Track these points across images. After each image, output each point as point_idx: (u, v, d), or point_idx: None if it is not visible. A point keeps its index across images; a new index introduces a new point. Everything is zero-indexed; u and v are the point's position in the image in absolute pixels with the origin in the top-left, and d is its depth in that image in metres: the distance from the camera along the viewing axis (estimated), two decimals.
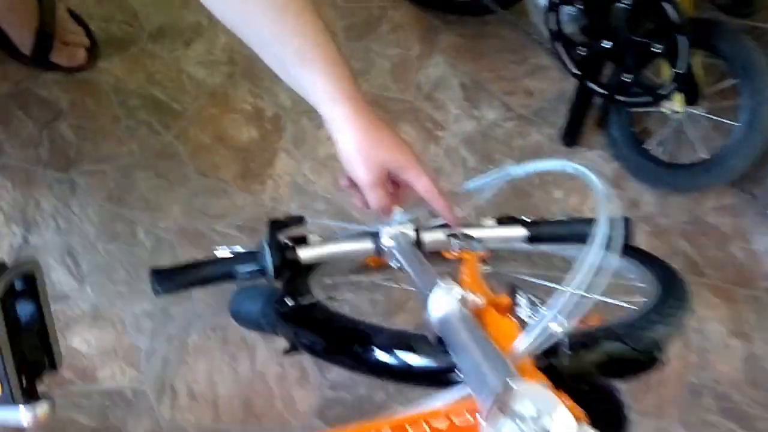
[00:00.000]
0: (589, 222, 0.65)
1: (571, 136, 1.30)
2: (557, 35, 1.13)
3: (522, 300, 0.58)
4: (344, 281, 0.85)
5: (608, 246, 0.48)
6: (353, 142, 0.56)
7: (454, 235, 0.67)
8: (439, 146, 1.26)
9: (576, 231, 0.74)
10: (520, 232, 0.73)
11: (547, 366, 0.47)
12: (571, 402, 0.35)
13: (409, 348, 0.49)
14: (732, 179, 1.19)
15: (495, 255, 0.79)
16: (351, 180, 0.61)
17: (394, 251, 0.61)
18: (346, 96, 0.54)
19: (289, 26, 0.52)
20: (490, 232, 0.72)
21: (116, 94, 1.21)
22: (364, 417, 0.40)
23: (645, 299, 0.66)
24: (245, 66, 1.26)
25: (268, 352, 1.02)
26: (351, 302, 1.04)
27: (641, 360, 0.52)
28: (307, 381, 1.02)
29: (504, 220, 0.75)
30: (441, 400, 0.39)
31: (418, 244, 0.65)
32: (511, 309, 0.56)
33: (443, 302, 0.46)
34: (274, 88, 1.25)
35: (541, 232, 0.74)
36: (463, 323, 0.44)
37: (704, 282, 1.17)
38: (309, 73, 0.53)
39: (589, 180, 0.58)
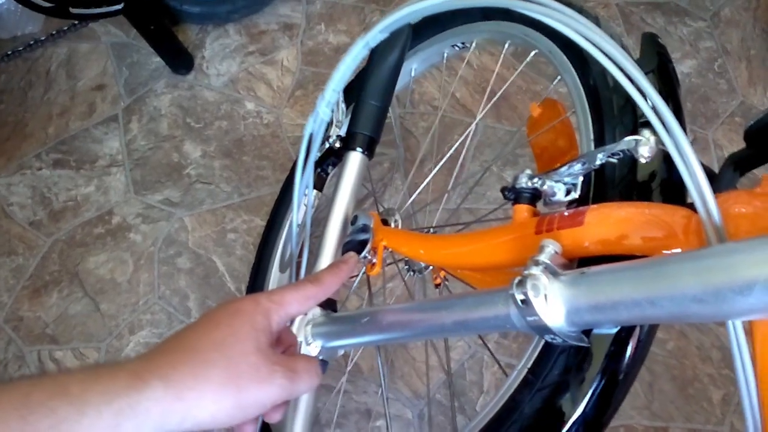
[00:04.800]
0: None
1: (180, 62, 1.28)
2: None
3: (546, 185, 0.49)
4: None
5: None
6: (209, 412, 0.35)
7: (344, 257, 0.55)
8: None
9: None
10: (357, 157, 0.65)
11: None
12: None
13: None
14: None
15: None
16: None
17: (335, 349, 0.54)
18: (137, 383, 0.33)
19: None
20: (341, 204, 0.64)
21: None
22: None
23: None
24: None
25: None
26: None
27: None
28: None
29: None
30: None
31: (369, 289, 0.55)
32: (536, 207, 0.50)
33: (546, 298, 0.33)
34: None
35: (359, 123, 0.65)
36: (609, 275, 0.31)
37: None
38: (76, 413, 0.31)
39: None
